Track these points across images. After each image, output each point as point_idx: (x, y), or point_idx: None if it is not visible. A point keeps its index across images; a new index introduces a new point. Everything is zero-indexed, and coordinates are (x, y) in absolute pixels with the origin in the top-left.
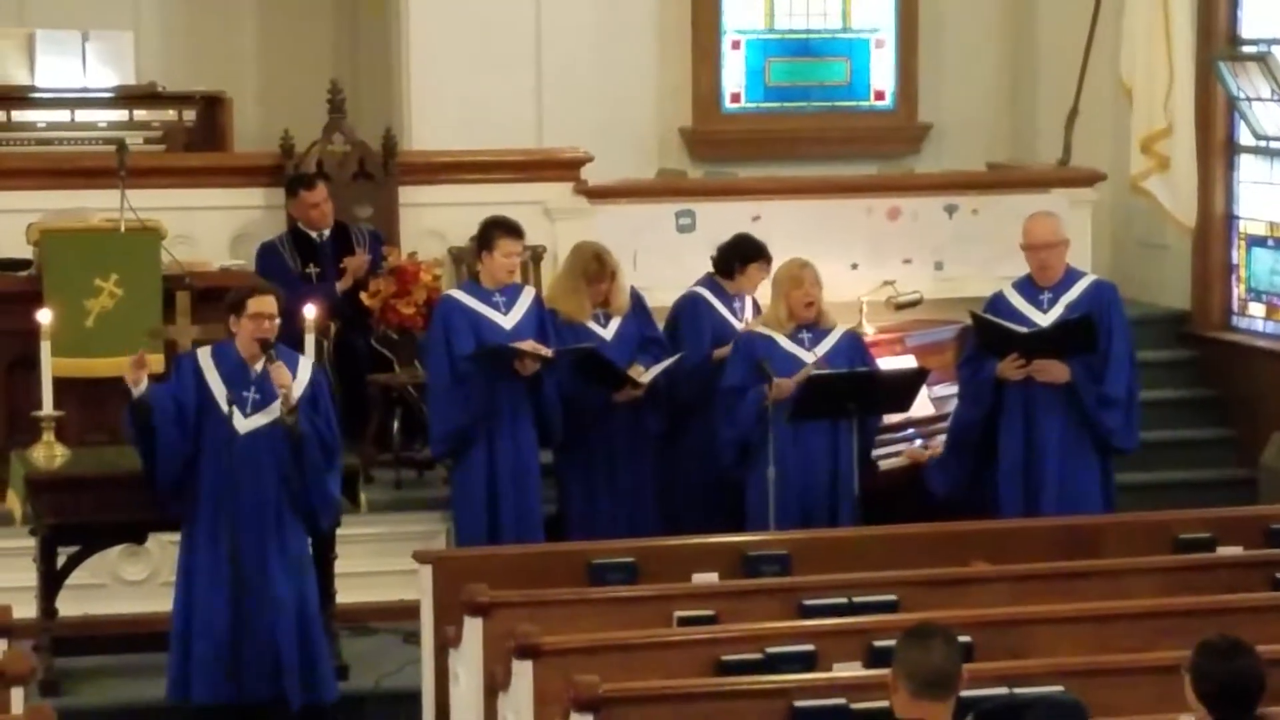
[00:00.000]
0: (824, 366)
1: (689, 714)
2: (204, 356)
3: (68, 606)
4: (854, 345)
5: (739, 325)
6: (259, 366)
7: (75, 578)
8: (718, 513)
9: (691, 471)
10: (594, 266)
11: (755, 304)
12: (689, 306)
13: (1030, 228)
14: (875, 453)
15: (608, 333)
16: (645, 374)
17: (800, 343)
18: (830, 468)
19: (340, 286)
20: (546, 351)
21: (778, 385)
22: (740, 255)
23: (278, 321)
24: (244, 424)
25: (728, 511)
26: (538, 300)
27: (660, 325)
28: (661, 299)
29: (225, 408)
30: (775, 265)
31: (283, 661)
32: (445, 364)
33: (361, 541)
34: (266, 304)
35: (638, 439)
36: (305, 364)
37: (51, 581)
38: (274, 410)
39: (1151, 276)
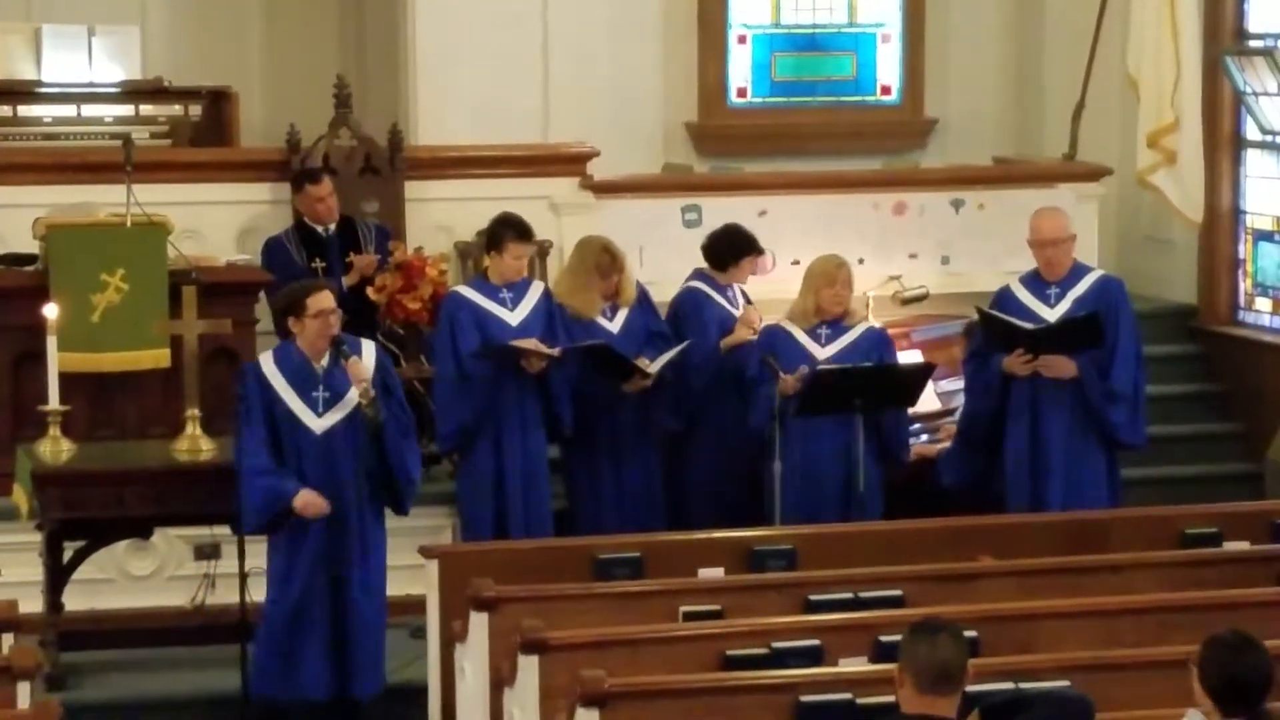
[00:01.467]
0: (829, 364)
1: (695, 709)
2: (266, 363)
3: (74, 601)
4: (874, 341)
5: (736, 313)
6: (323, 363)
7: (82, 572)
8: (728, 507)
9: (702, 465)
10: (605, 260)
11: (744, 294)
12: (689, 301)
13: (1038, 224)
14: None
15: (615, 325)
16: (652, 365)
17: (817, 338)
18: (843, 465)
19: (347, 282)
20: (553, 351)
21: (782, 381)
22: (733, 249)
23: (340, 314)
24: (318, 423)
25: (737, 505)
26: (546, 295)
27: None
28: (668, 294)
29: (299, 412)
30: (783, 259)
31: (359, 658)
32: (451, 360)
33: None
34: (326, 299)
35: (644, 433)
36: (369, 349)
37: (58, 576)
38: (347, 405)
39: (1158, 271)
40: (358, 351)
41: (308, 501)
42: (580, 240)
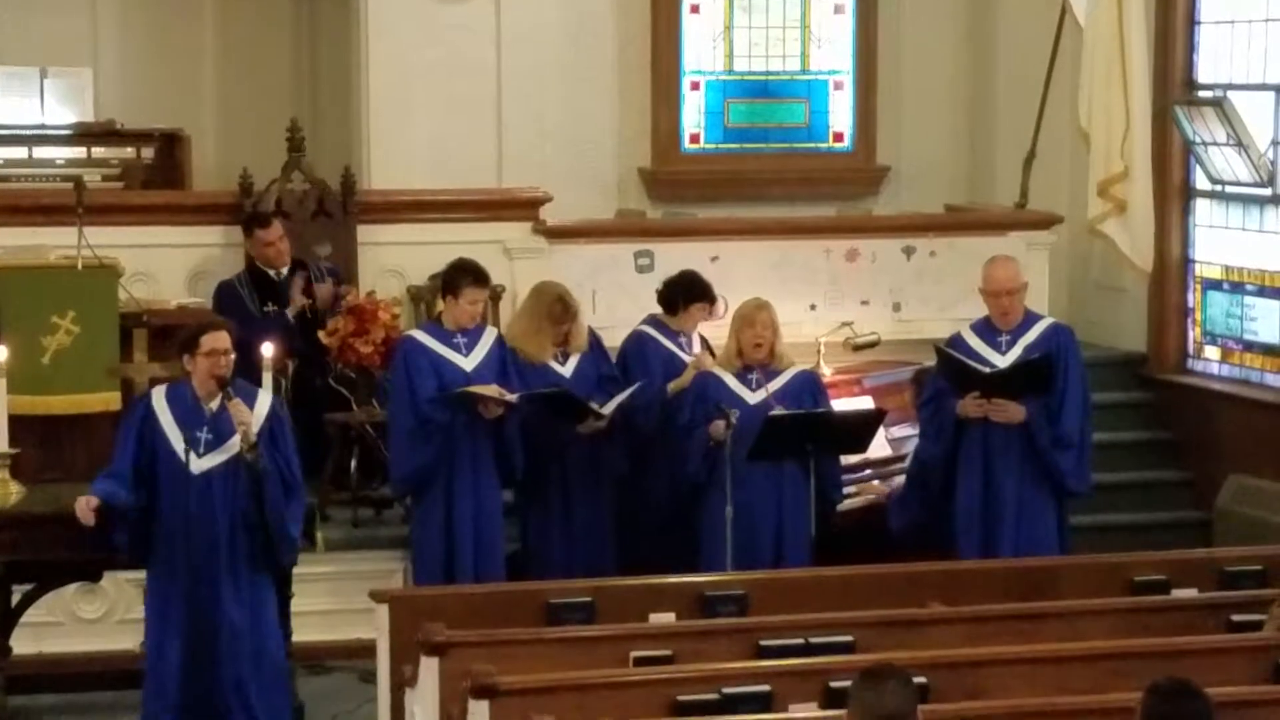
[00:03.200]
0: (767, 408)
1: None
2: (158, 398)
3: (22, 644)
4: (807, 386)
5: (687, 358)
6: (214, 405)
7: (30, 615)
8: (677, 549)
9: (651, 507)
10: (558, 309)
11: (703, 339)
12: (635, 345)
13: (991, 273)
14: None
15: (566, 370)
16: (605, 407)
17: (748, 383)
18: (775, 510)
19: (290, 311)
20: (511, 398)
21: (713, 427)
22: (684, 294)
23: (233, 356)
24: (198, 464)
25: (686, 548)
26: (499, 341)
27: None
28: (619, 338)
29: (179, 449)
30: (735, 305)
31: (236, 700)
32: (407, 405)
33: (318, 580)
34: (220, 339)
35: (596, 475)
36: (264, 398)
37: (6, 619)
38: (229, 449)
39: (1108, 319)
40: (251, 400)
41: (80, 506)
42: (536, 285)
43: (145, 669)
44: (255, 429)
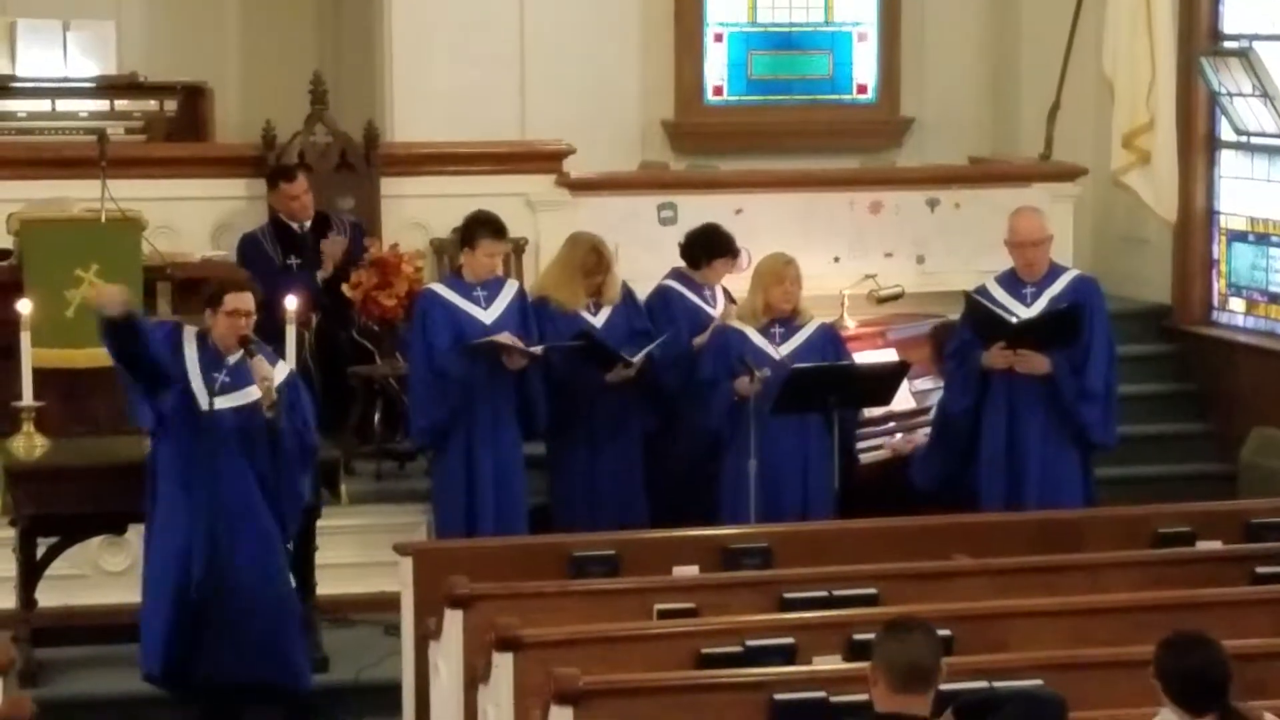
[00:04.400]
0: (789, 364)
1: (669, 707)
2: (188, 332)
3: (47, 597)
4: (827, 339)
5: (713, 312)
6: (233, 358)
7: (55, 568)
8: (699, 503)
9: (673, 462)
10: (592, 259)
11: (727, 293)
12: (660, 300)
13: (1016, 225)
14: (857, 445)
15: (598, 320)
16: (635, 355)
17: (771, 337)
18: (800, 462)
19: (321, 274)
20: (536, 349)
21: (739, 383)
22: (706, 249)
23: (254, 318)
24: (207, 401)
25: (708, 502)
26: (520, 293)
27: None
28: (643, 291)
29: (195, 387)
30: (758, 258)
31: (249, 642)
32: (424, 358)
33: (342, 533)
34: (244, 300)
35: (623, 429)
36: (282, 368)
37: (31, 572)
38: (243, 397)
39: (1132, 271)
40: (271, 363)
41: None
42: (572, 235)
43: (143, 609)
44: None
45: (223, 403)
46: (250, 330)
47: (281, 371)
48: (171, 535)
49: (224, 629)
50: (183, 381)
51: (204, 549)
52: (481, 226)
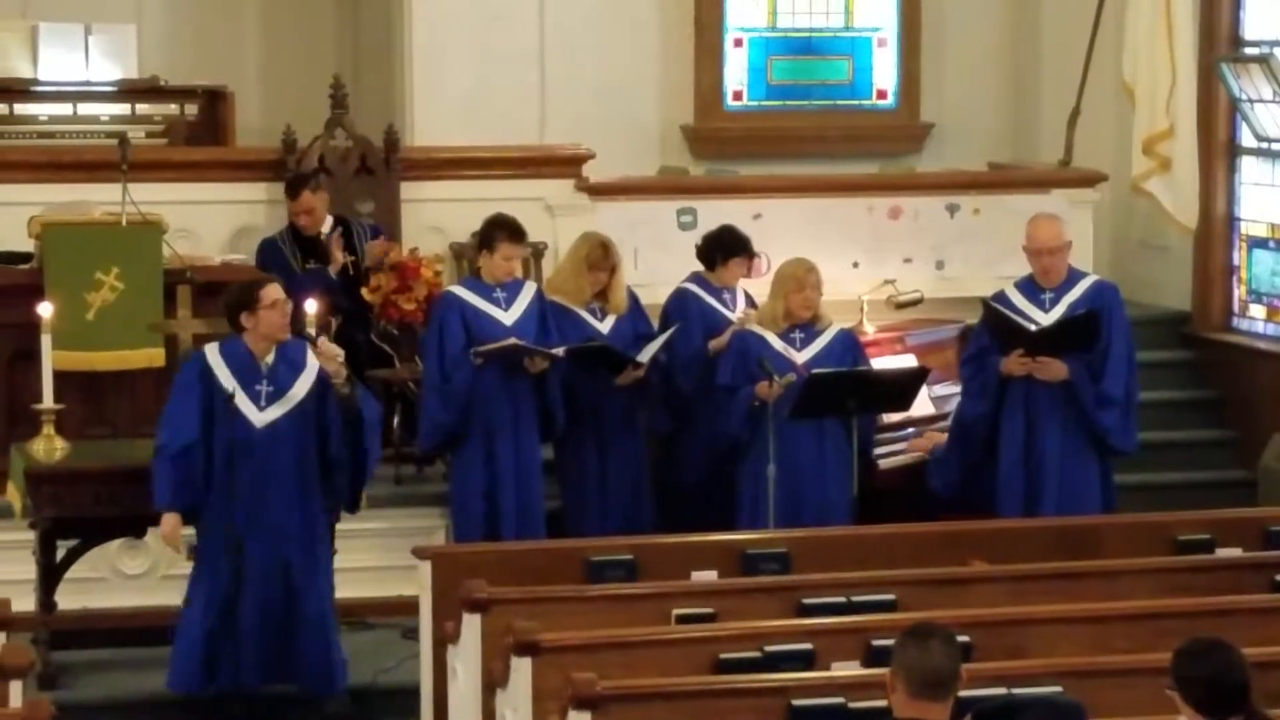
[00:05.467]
0: (809, 367)
1: (687, 712)
2: (212, 354)
3: (67, 600)
4: (847, 344)
5: (731, 315)
6: (269, 360)
7: (74, 571)
8: (715, 508)
9: (689, 467)
10: (597, 253)
11: (748, 295)
12: (677, 302)
13: (1034, 231)
14: (876, 451)
15: (604, 327)
16: (642, 354)
17: (791, 342)
18: (819, 468)
19: (332, 269)
20: (557, 352)
21: (760, 387)
22: (722, 249)
23: (290, 305)
24: (260, 417)
25: (725, 507)
26: (539, 295)
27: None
28: (662, 296)
29: (241, 404)
30: (777, 263)
31: (297, 652)
32: (437, 361)
33: (360, 536)
34: (276, 290)
35: (632, 432)
36: (314, 362)
37: (51, 575)
38: (289, 401)
39: (1152, 277)
40: (302, 363)
41: (165, 533)
42: (582, 233)
43: (182, 625)
44: (307, 387)
45: (273, 413)
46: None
47: (315, 366)
48: (222, 552)
49: (278, 639)
50: (222, 404)
51: (254, 563)
52: (500, 229)
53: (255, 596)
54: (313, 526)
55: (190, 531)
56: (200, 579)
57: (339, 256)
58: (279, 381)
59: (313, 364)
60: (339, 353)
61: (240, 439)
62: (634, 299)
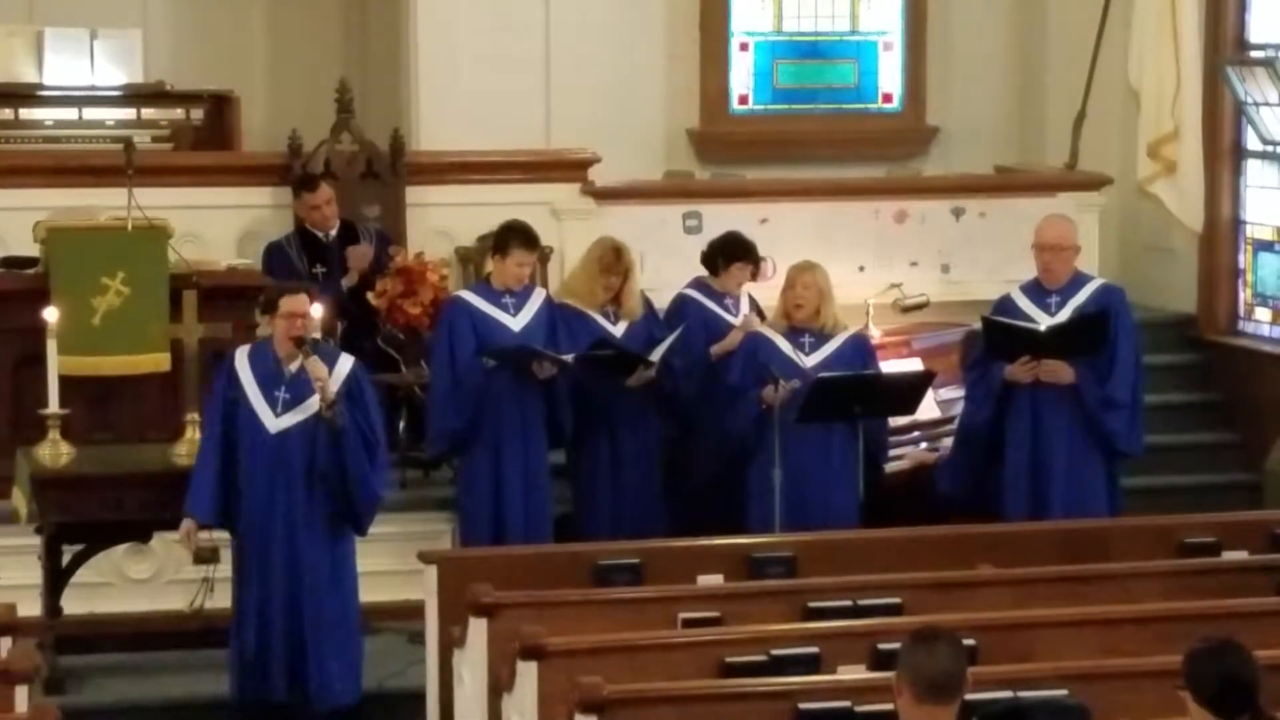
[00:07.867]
0: (817, 371)
1: (693, 716)
2: (240, 356)
3: (72, 604)
4: (858, 349)
5: (733, 320)
6: (294, 366)
7: (80, 576)
8: (721, 512)
9: (695, 470)
10: (610, 257)
11: (752, 300)
12: (678, 308)
13: (1042, 227)
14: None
15: (617, 331)
16: (652, 354)
17: (800, 347)
18: (826, 472)
19: (346, 283)
20: (566, 357)
21: (766, 392)
22: (724, 254)
23: (314, 319)
24: (274, 423)
25: (731, 511)
26: (548, 302)
27: None
28: (668, 300)
29: (258, 408)
30: (784, 267)
31: (307, 661)
32: (446, 365)
33: (366, 541)
34: (299, 303)
35: (645, 435)
36: (346, 360)
37: (56, 579)
38: (306, 409)
39: (1158, 280)
40: (333, 362)
41: (180, 535)
42: (598, 238)
43: (234, 628)
44: (335, 389)
45: (288, 420)
46: (307, 332)
47: (345, 364)
48: (248, 554)
49: (295, 650)
50: (245, 407)
51: (270, 566)
52: (515, 235)
53: (274, 605)
54: (327, 539)
55: (204, 535)
56: (239, 585)
57: (355, 275)
58: (297, 390)
59: (341, 370)
60: (324, 375)
61: (256, 444)
62: (648, 304)
